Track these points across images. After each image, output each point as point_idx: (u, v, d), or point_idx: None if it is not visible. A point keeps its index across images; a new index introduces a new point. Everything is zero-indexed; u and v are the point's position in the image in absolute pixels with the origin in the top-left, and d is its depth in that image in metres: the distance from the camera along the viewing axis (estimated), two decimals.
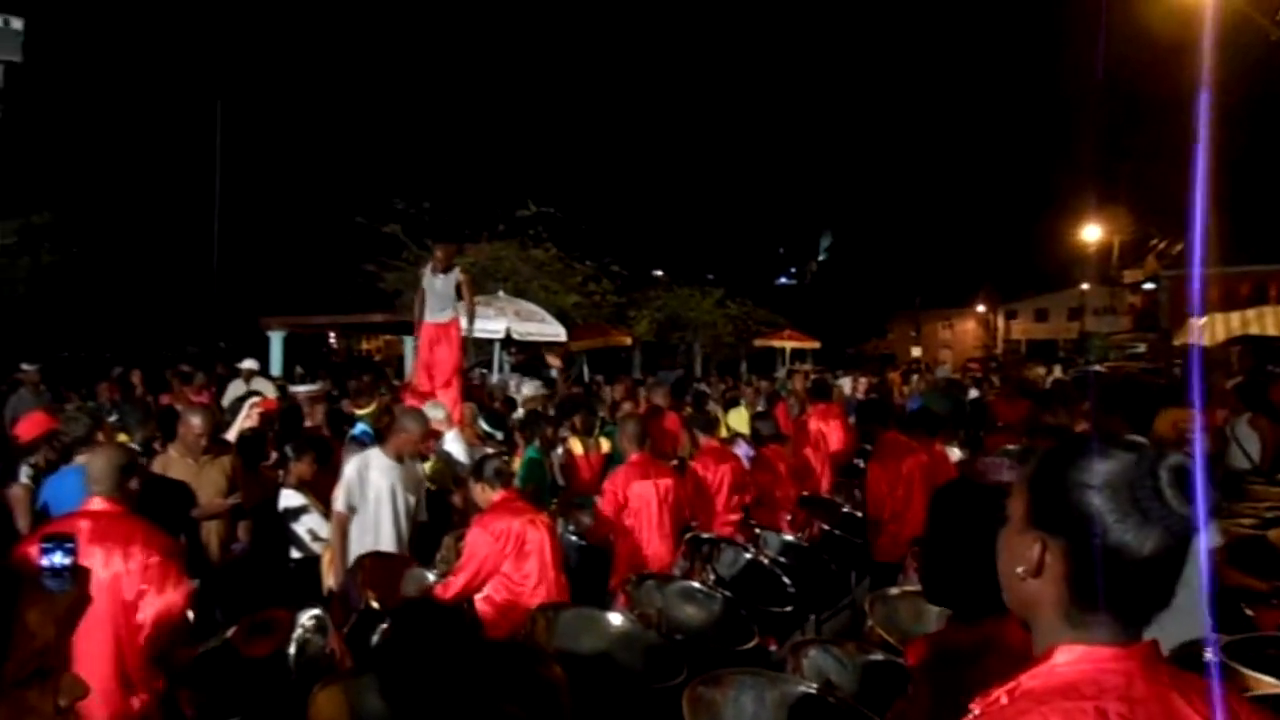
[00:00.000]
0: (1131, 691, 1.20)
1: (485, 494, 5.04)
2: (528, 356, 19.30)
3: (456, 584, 4.72)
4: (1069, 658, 1.24)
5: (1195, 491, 1.19)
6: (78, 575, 2.12)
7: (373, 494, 5.50)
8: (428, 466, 6.49)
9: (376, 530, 5.49)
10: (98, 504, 3.68)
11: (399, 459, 5.66)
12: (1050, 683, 1.23)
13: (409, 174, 30.94)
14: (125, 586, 3.49)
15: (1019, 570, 1.31)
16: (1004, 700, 1.25)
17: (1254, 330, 14.40)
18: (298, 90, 40.30)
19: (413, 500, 5.70)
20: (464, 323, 8.90)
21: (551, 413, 9.08)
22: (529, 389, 13.38)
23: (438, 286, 8.87)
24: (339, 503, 5.47)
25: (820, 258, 78.36)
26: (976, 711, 1.28)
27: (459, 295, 8.89)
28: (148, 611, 3.52)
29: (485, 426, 8.82)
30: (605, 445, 8.12)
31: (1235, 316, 14.73)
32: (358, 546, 5.39)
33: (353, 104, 45.72)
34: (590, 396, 12.28)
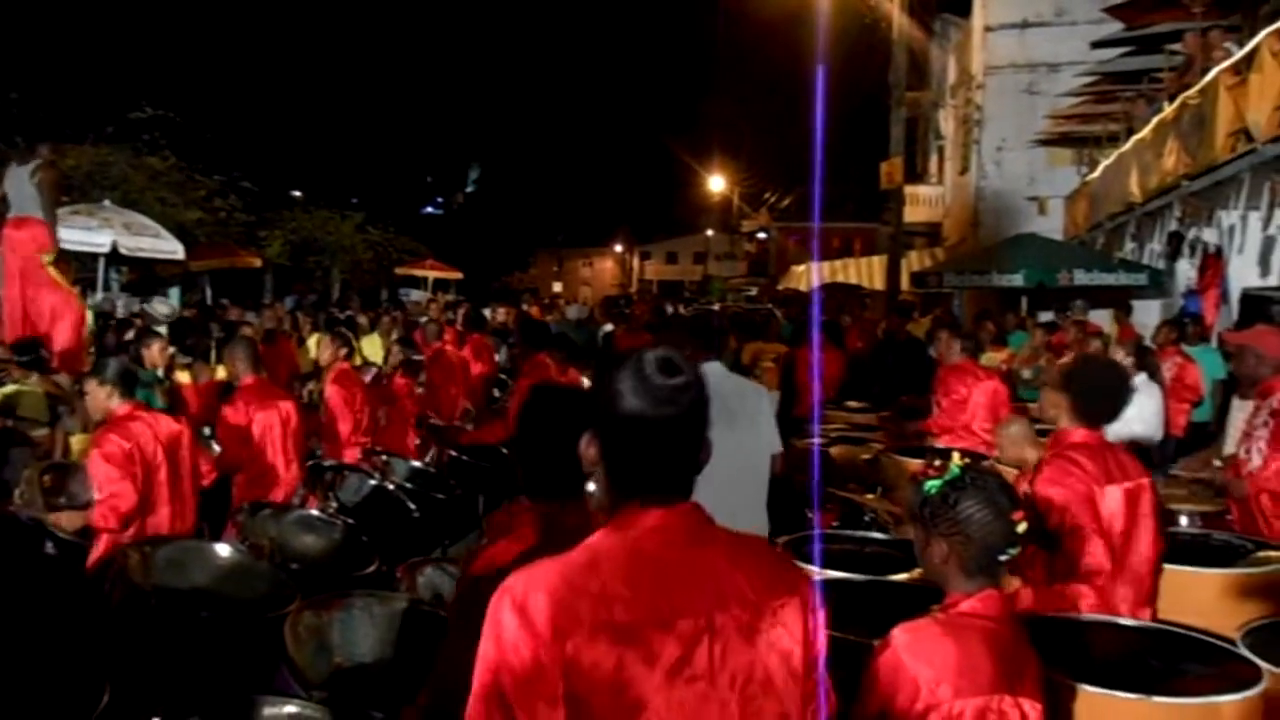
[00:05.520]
0: (671, 544, 1.51)
1: (102, 400, 4.39)
2: (140, 275, 17.48)
3: (110, 519, 4.12)
4: (630, 516, 1.53)
5: (674, 370, 1.52)
6: None
7: None
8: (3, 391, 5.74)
9: None
10: None
11: None
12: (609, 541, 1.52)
13: None
14: None
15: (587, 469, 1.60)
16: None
17: (840, 278, 17.21)
18: None
19: None
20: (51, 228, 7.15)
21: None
22: (165, 308, 12.29)
23: (12, 175, 7.17)
24: None
25: (468, 189, 77.81)
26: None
27: (39, 191, 7.06)
28: None
29: None
30: (220, 373, 7.60)
31: (827, 266, 17.14)
32: None
33: None
34: (211, 321, 11.45)
